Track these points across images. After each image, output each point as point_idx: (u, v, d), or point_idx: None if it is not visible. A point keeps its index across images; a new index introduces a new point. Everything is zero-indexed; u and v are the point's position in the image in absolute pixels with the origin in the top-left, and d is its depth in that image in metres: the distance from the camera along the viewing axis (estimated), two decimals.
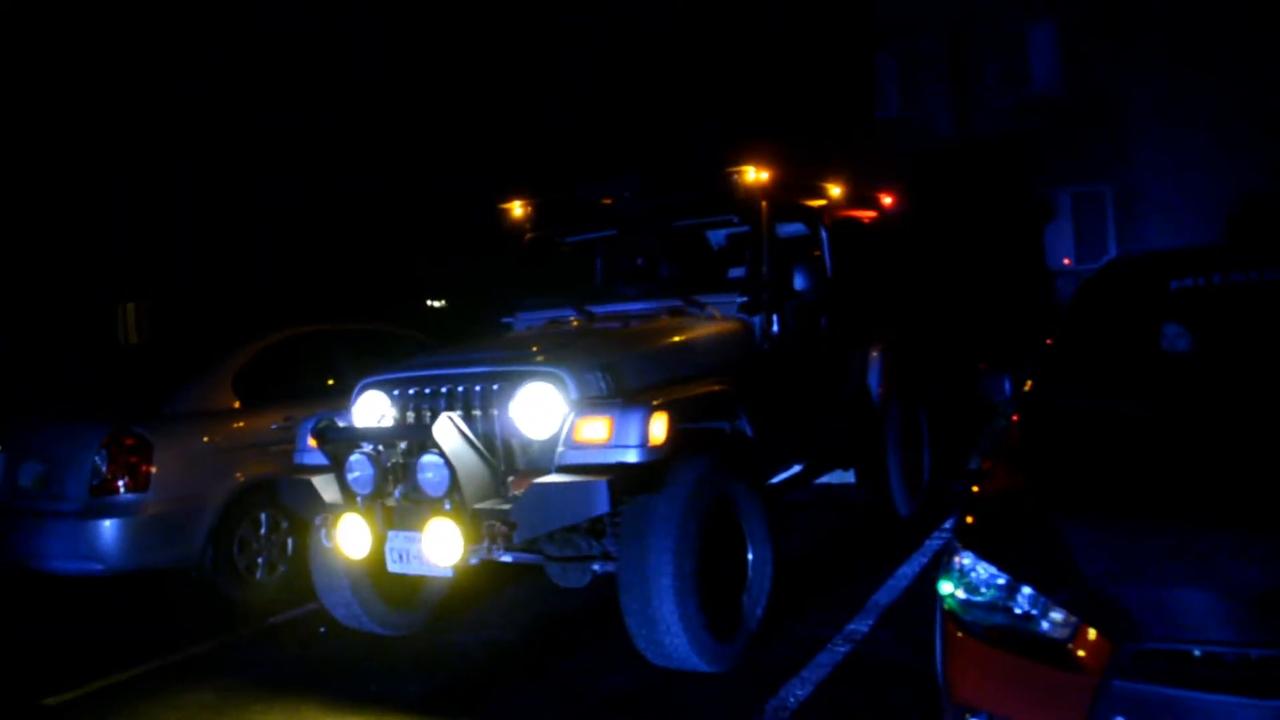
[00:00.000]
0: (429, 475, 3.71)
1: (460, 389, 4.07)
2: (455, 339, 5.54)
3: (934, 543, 5.70)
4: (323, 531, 4.03)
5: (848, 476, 6.20)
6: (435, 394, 4.11)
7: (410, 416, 4.15)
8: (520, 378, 3.94)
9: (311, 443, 4.11)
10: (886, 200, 6.58)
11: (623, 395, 3.85)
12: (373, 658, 4.55)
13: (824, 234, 5.65)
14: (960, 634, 2.47)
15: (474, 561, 3.71)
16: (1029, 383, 3.47)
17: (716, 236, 6.24)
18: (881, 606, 4.70)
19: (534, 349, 4.27)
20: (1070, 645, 2.25)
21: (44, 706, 4.31)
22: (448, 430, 3.69)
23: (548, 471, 3.75)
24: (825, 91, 15.97)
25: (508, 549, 3.72)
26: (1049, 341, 3.68)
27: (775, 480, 5.10)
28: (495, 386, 3.99)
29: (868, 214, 6.44)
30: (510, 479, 3.92)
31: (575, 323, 5.18)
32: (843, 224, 5.92)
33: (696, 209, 5.47)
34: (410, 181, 16.67)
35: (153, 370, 6.34)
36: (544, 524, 3.67)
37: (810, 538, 6.33)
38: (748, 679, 3.92)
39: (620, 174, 5.56)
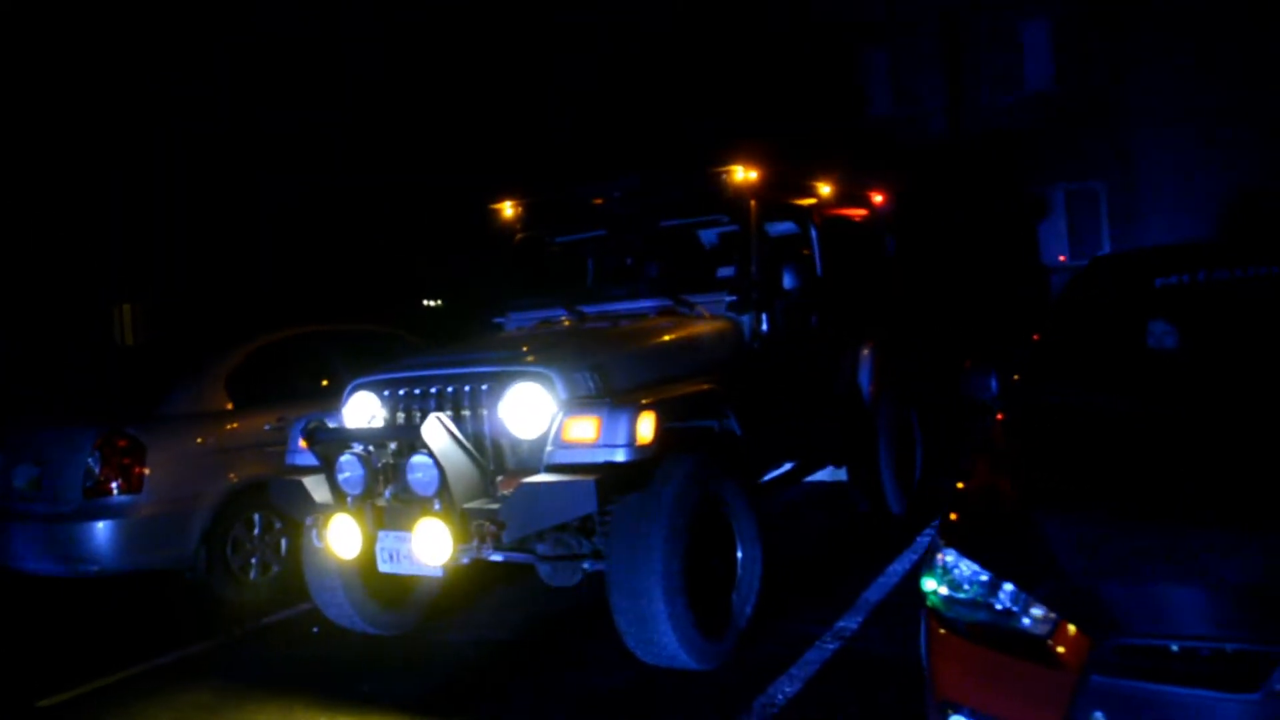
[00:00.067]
0: (418, 475, 3.73)
1: (450, 389, 4.09)
2: (451, 339, 5.56)
3: (925, 540, 5.71)
4: (314, 532, 4.05)
5: (840, 474, 6.21)
6: (425, 394, 4.13)
7: (400, 417, 4.17)
8: (509, 378, 3.96)
9: (302, 444, 4.13)
10: (877, 198, 6.59)
11: (611, 395, 3.87)
12: (365, 657, 4.57)
13: (814, 233, 5.66)
14: (943, 631, 2.49)
15: (464, 561, 3.73)
16: (1015, 379, 3.48)
17: (708, 236, 6.25)
18: (871, 604, 4.71)
19: (523, 349, 4.28)
20: (1050, 641, 2.26)
21: (38, 708, 4.33)
22: (436, 430, 3.70)
23: (537, 471, 3.77)
24: (819, 90, 15.99)
25: (497, 548, 3.75)
26: (1035, 338, 3.70)
27: (765, 479, 5.12)
28: (484, 387, 4.01)
29: (859, 212, 6.44)
30: (500, 479, 3.95)
31: (567, 323, 5.20)
32: (833, 222, 5.92)
33: (686, 208, 5.48)
34: (410, 181, 16.68)
35: (146, 372, 6.35)
36: (532, 523, 3.69)
37: (801, 535, 6.34)
38: (736, 676, 3.93)
39: (617, 174, 5.58)
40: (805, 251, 5.61)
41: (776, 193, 5.39)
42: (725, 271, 5.45)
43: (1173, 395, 3.09)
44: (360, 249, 17.09)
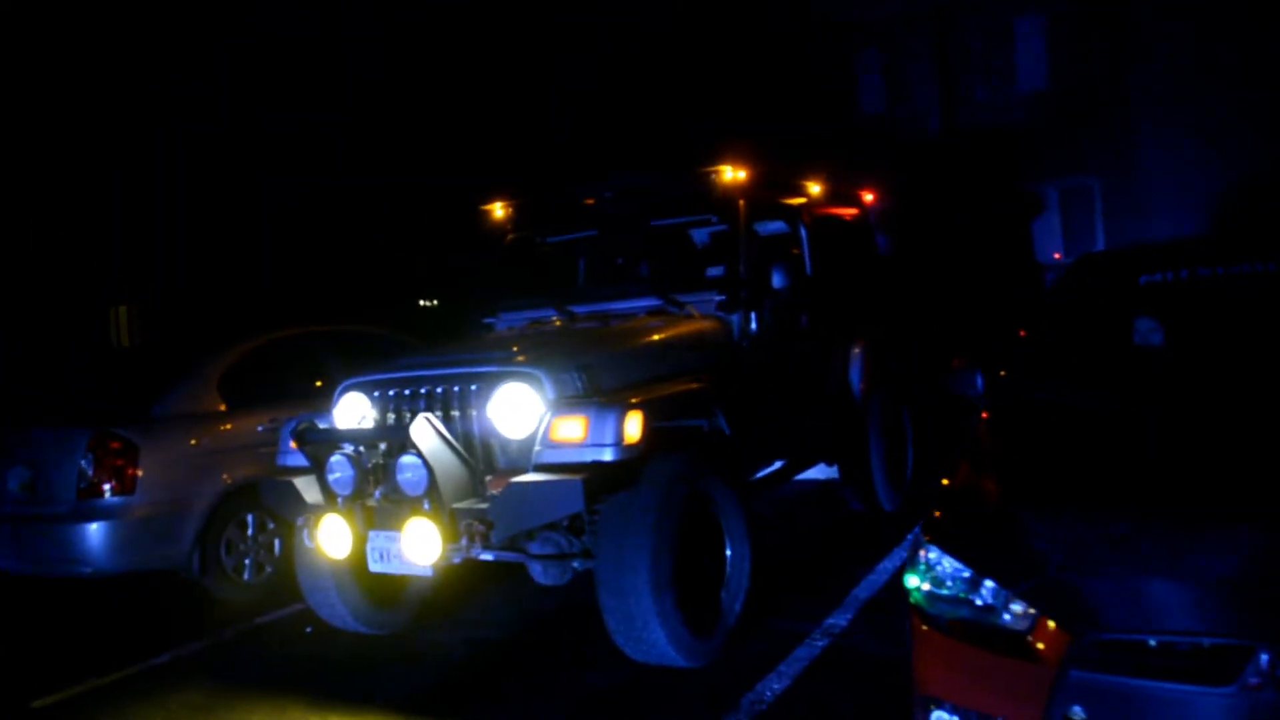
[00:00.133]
0: (407, 475, 3.75)
1: (439, 389, 4.10)
2: (446, 339, 5.57)
3: None
4: (305, 532, 4.07)
5: (832, 472, 6.22)
6: (415, 395, 4.15)
7: (390, 417, 4.19)
8: (498, 378, 3.97)
9: (293, 445, 4.14)
10: (868, 197, 6.59)
11: (599, 395, 3.89)
12: (358, 657, 4.59)
13: (803, 232, 5.67)
14: (926, 627, 2.51)
15: (454, 560, 3.75)
16: (1001, 376, 3.49)
17: (699, 235, 6.26)
18: (861, 601, 4.73)
19: (512, 349, 4.29)
20: (1030, 637, 2.28)
21: (32, 709, 4.34)
22: (425, 431, 3.72)
23: (526, 471, 3.78)
24: (814, 89, 16.00)
25: (487, 547, 3.76)
26: (1022, 335, 3.71)
27: (755, 477, 5.13)
28: (474, 387, 4.02)
29: (849, 211, 6.45)
30: (489, 478, 3.96)
31: (557, 323, 5.21)
32: (823, 221, 5.93)
33: (675, 208, 5.49)
34: (410, 181, 16.69)
35: (140, 373, 6.37)
36: (520, 522, 3.70)
37: (792, 533, 6.35)
38: (725, 674, 3.95)
39: (614, 174, 5.59)
40: (795, 251, 5.62)
41: (765, 192, 5.40)
42: (715, 271, 5.46)
43: (1157, 392, 3.11)
44: (360, 249, 17.10)
